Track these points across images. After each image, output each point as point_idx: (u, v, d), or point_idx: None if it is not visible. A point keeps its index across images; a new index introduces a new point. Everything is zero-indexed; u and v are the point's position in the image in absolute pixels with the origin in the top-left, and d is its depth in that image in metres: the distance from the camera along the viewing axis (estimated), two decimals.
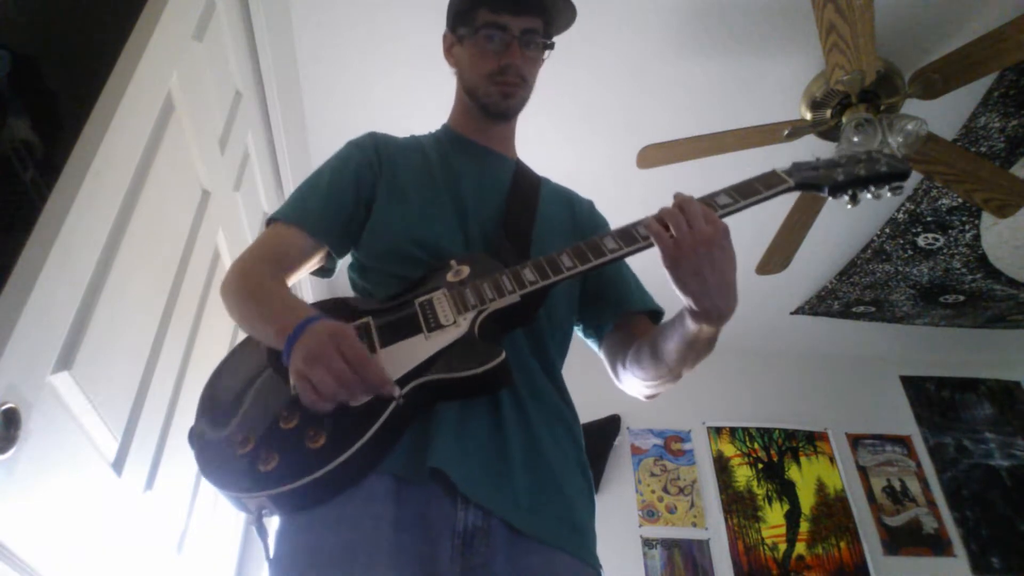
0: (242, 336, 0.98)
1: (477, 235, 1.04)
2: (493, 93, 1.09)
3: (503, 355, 0.83)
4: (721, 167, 2.66)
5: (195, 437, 0.84)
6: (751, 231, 3.03)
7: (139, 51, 1.22)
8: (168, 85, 1.34)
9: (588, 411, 3.62)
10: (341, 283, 1.15)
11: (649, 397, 1.08)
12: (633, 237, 0.91)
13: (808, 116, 2.43)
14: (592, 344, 1.16)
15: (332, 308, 0.95)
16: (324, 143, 2.66)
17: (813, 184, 1.00)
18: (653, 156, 2.41)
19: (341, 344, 0.76)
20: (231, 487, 0.77)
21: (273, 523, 0.83)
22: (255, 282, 0.95)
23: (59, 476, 0.96)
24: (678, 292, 0.87)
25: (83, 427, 1.03)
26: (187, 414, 1.44)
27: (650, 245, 0.89)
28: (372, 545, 0.77)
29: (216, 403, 0.87)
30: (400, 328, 0.88)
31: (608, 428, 3.51)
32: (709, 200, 0.93)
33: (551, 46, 1.12)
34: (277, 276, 0.98)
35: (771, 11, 2.21)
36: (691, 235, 0.83)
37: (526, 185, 1.13)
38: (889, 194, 1.02)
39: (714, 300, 0.85)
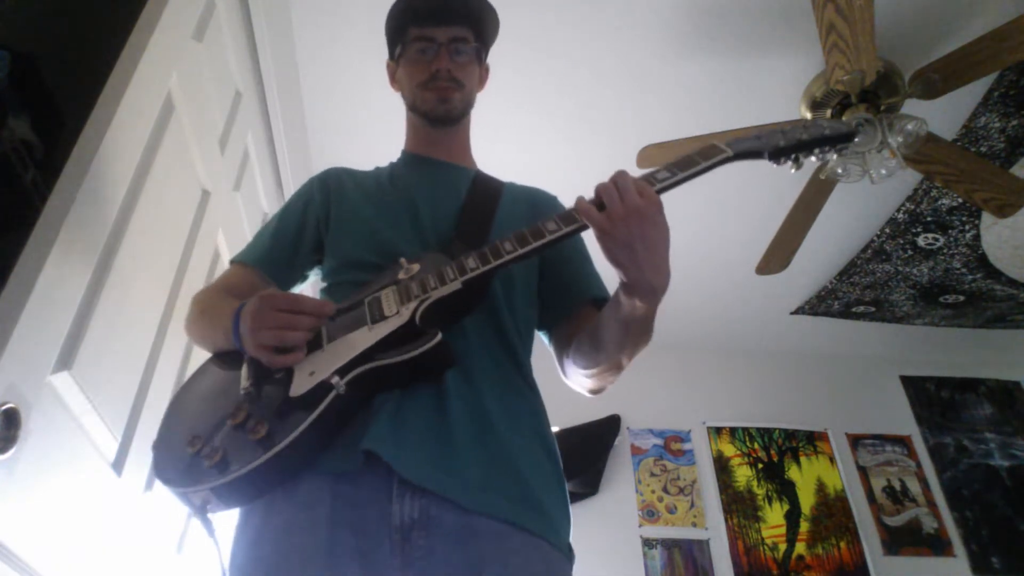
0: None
1: (432, 239, 1.06)
2: (429, 99, 1.13)
3: (439, 336, 0.85)
4: (721, 167, 2.67)
5: (154, 446, 0.87)
6: (751, 231, 3.04)
7: (139, 51, 1.22)
8: (168, 85, 1.34)
9: (588, 411, 3.64)
10: None
11: (593, 391, 1.08)
12: (572, 218, 0.91)
13: (808, 116, 2.43)
14: (544, 338, 1.16)
15: None
16: (324, 143, 2.66)
17: (753, 151, 0.99)
18: (653, 156, 2.41)
19: (271, 301, 0.86)
20: (176, 483, 0.80)
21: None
22: (205, 303, 1.05)
23: (59, 476, 0.96)
24: (610, 265, 0.87)
25: (83, 427, 1.02)
26: None
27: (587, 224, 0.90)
28: (308, 548, 0.77)
29: (174, 415, 0.92)
30: (347, 324, 0.91)
31: (608, 428, 3.51)
32: (648, 176, 0.92)
33: (484, 51, 1.17)
34: (225, 298, 1.04)
35: (771, 11, 2.21)
36: (622, 207, 0.83)
37: (485, 190, 1.16)
38: (835, 156, 1.01)
39: (644, 273, 0.84)
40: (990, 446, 3.74)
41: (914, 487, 3.57)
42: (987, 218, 2.92)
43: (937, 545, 3.38)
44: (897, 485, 3.57)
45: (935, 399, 3.92)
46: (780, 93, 2.47)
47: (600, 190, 0.86)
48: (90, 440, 1.05)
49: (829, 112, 2.36)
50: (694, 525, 3.32)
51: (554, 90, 2.45)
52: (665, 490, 3.43)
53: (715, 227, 3.12)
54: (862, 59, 2.01)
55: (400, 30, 1.17)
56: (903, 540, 3.39)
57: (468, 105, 1.18)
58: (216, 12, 1.61)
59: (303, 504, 0.81)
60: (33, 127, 1.46)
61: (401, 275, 0.96)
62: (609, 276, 1.02)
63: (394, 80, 1.23)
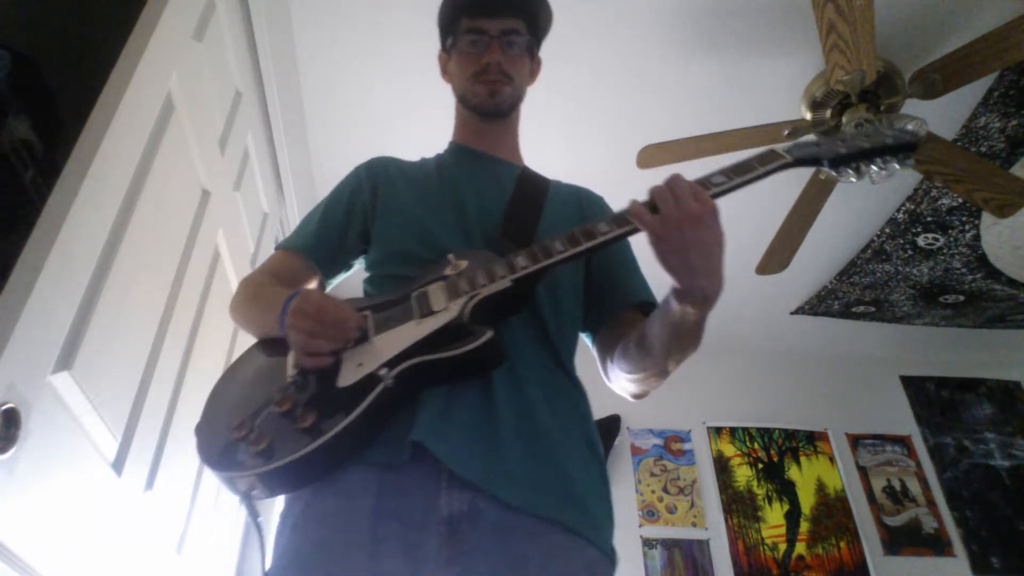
0: (243, 340, 1.03)
1: (477, 234, 1.05)
2: (480, 92, 1.13)
3: (490, 333, 0.84)
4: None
5: (198, 428, 0.86)
6: (751, 231, 3.03)
7: (139, 51, 1.22)
8: (168, 85, 1.34)
9: None
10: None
11: (636, 396, 1.07)
12: (624, 220, 0.90)
13: (808, 116, 2.43)
14: (587, 340, 1.15)
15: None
16: (324, 143, 2.66)
17: (812, 159, 0.96)
18: (653, 156, 2.41)
19: (306, 303, 0.87)
20: (222, 467, 0.79)
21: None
22: (254, 288, 1.06)
23: (59, 476, 0.96)
24: (663, 271, 0.86)
25: (83, 427, 1.02)
26: (187, 414, 1.44)
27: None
28: (351, 537, 0.77)
29: (219, 398, 0.92)
30: (394, 317, 0.91)
31: (608, 428, 3.51)
32: (704, 180, 0.90)
33: (536, 44, 1.16)
34: (273, 284, 1.05)
35: (771, 11, 2.21)
36: (677, 212, 0.82)
37: (531, 188, 1.15)
38: (898, 167, 0.99)
39: (697, 279, 0.82)
40: (990, 446, 3.74)
41: (914, 487, 3.57)
42: (987, 218, 2.92)
43: (937, 545, 3.38)
44: (897, 485, 3.57)
45: (935, 399, 3.92)
46: (780, 93, 2.47)
47: (655, 193, 0.85)
48: (90, 440, 1.05)
49: (829, 112, 2.36)
50: (694, 525, 3.32)
51: (554, 90, 2.45)
52: (665, 490, 3.43)
53: None
54: (862, 59, 2.01)
55: (452, 21, 1.15)
56: (903, 540, 3.39)
57: (518, 99, 1.17)
58: (216, 12, 1.61)
59: (347, 493, 0.81)
60: (33, 127, 1.46)
61: (449, 270, 0.96)
62: (656, 280, 1.02)
63: (445, 72, 1.21)
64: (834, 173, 1.00)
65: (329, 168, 2.79)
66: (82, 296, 1.02)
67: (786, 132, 2.35)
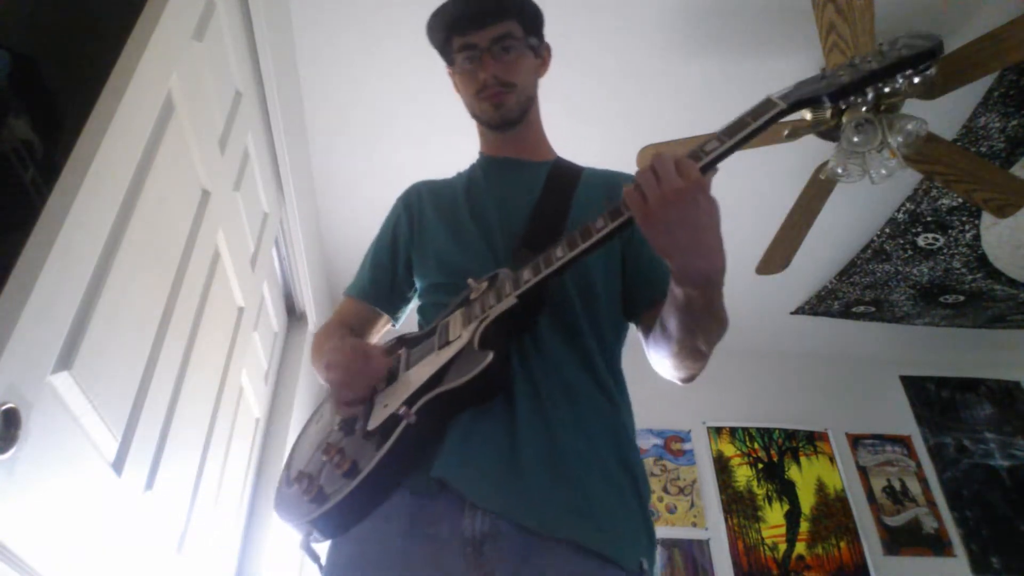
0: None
1: (500, 248, 1.06)
2: (485, 108, 1.14)
3: (490, 357, 0.83)
4: (721, 167, 2.66)
5: (277, 489, 0.96)
6: (751, 231, 3.03)
7: (139, 51, 1.21)
8: (168, 85, 1.34)
9: None
10: None
11: (681, 379, 1.03)
12: (619, 211, 0.86)
13: (808, 116, 2.43)
14: (634, 327, 1.12)
15: (391, 345, 1.08)
16: (324, 143, 2.66)
17: (811, 97, 0.89)
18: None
19: (338, 355, 0.94)
20: (287, 518, 0.89)
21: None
22: (323, 338, 1.14)
23: (59, 476, 0.96)
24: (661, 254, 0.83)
25: (83, 427, 1.02)
26: (187, 414, 1.44)
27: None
28: (381, 556, 0.82)
29: (292, 454, 1.02)
30: (422, 351, 0.96)
31: None
32: (696, 150, 0.85)
33: (535, 37, 1.16)
34: (342, 332, 1.13)
35: (771, 11, 2.21)
36: (659, 190, 0.79)
37: (561, 181, 1.14)
38: (917, 80, 0.87)
39: (690, 258, 0.79)
40: (990, 446, 3.74)
41: (914, 487, 3.57)
42: (987, 218, 2.92)
43: (937, 545, 3.38)
44: (897, 485, 3.57)
45: (935, 399, 3.92)
46: None
47: (638, 176, 0.82)
48: (90, 440, 1.05)
49: (829, 112, 2.36)
50: (694, 525, 3.32)
51: (554, 90, 2.45)
52: (665, 490, 3.43)
53: None
54: None
55: (445, 41, 1.17)
56: (903, 540, 3.39)
57: (525, 101, 1.16)
58: (216, 12, 1.61)
59: (382, 516, 0.86)
60: (33, 127, 1.46)
61: (472, 295, 0.98)
62: None
63: (456, 88, 1.22)
64: (832, 104, 0.85)
65: (329, 168, 2.79)
66: (82, 296, 1.01)
67: (785, 132, 2.35)
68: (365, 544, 0.84)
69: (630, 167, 2.44)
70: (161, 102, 1.31)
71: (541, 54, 1.20)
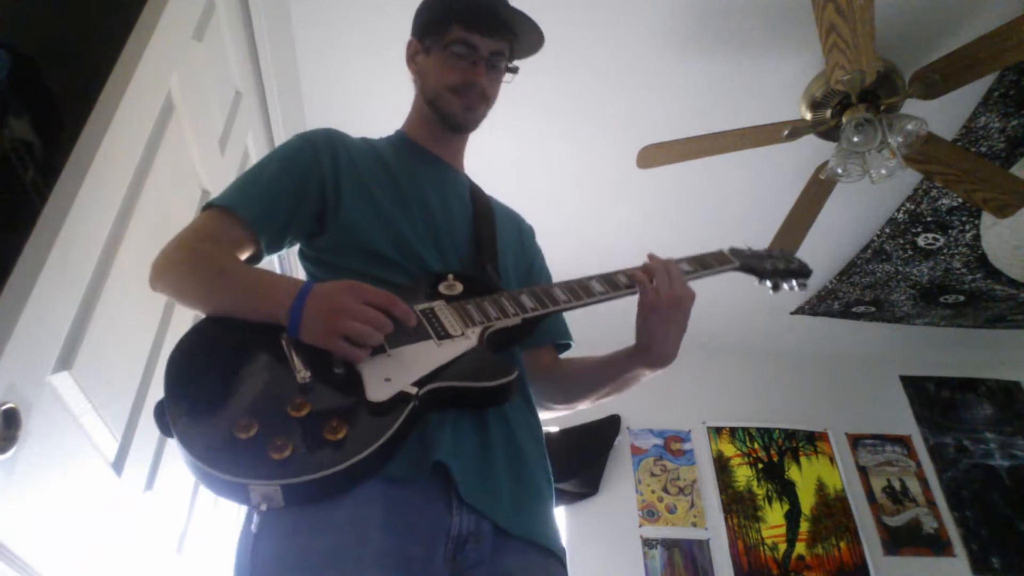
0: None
1: (450, 251, 1.05)
2: (455, 105, 1.12)
3: (516, 372, 0.87)
4: (721, 167, 2.67)
5: (172, 420, 0.76)
6: (751, 231, 3.03)
7: (139, 51, 1.21)
8: (168, 85, 1.34)
9: (588, 411, 3.63)
10: None
11: (546, 414, 1.16)
12: (617, 284, 1.04)
13: (808, 116, 2.43)
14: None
15: None
16: None
17: (753, 270, 1.22)
18: (653, 156, 2.41)
19: (363, 294, 0.82)
20: (238, 473, 0.71)
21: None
22: (217, 260, 0.91)
23: (59, 476, 0.96)
24: (639, 335, 1.01)
25: (83, 427, 1.02)
26: None
27: (633, 292, 1.02)
28: (358, 550, 0.76)
29: (193, 386, 0.79)
30: (405, 331, 0.86)
31: (608, 428, 3.51)
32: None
33: (514, 70, 1.16)
34: (231, 254, 0.95)
35: (771, 11, 2.21)
36: (671, 291, 0.99)
37: (483, 205, 1.17)
38: (797, 288, 1.26)
39: (670, 349, 1.00)
40: (990, 446, 3.74)
41: (914, 487, 3.57)
42: (987, 218, 2.92)
43: (937, 545, 3.38)
44: (897, 485, 3.57)
45: (935, 399, 3.92)
46: (780, 93, 2.47)
47: (655, 270, 1.01)
48: (90, 440, 1.05)
49: (829, 112, 2.36)
50: (694, 525, 3.33)
51: (555, 89, 2.45)
52: (665, 490, 3.43)
53: (715, 227, 3.12)
54: (862, 59, 2.01)
55: (442, 23, 1.11)
56: (903, 540, 3.39)
57: (484, 118, 1.17)
58: (216, 12, 1.61)
59: (358, 503, 0.78)
60: (33, 127, 1.45)
61: (443, 289, 0.97)
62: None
63: (413, 61, 1.18)
64: (769, 284, 1.25)
65: None
66: (82, 296, 1.01)
67: (785, 132, 2.35)
68: (341, 537, 0.76)
69: (631, 166, 2.45)
70: (161, 102, 1.31)
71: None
